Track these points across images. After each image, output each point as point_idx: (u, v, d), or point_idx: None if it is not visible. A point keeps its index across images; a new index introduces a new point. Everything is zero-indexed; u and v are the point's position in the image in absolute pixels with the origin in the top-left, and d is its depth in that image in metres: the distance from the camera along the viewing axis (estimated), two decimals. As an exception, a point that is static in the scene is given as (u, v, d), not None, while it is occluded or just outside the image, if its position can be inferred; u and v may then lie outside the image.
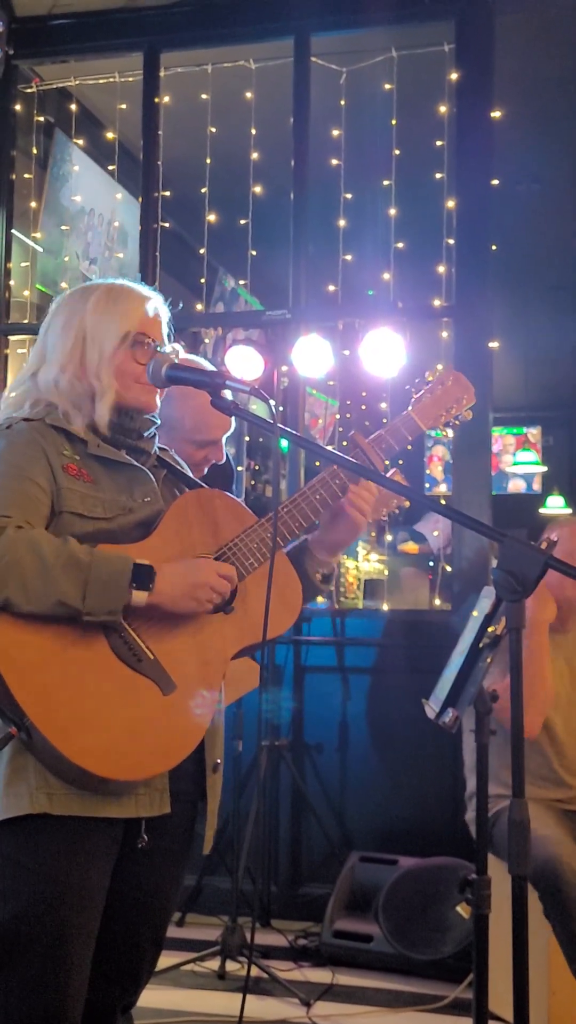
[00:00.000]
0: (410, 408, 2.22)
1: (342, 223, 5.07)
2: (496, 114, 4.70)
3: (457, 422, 2.25)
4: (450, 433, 5.07)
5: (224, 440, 2.52)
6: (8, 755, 1.82)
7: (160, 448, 2.15)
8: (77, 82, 5.50)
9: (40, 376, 2.01)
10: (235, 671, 2.03)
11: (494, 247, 4.66)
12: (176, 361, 2.02)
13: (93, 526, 1.89)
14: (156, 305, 2.08)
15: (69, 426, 1.94)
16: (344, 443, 2.11)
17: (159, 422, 2.10)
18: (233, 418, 2.37)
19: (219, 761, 2.01)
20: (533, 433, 10.95)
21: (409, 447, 2.30)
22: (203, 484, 2.10)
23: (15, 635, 1.75)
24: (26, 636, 1.76)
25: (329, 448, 2.14)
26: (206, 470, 2.54)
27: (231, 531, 2.03)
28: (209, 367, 2.47)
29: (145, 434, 2.05)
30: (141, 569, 1.82)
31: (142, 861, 1.95)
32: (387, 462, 2.30)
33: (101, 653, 1.82)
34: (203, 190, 5.30)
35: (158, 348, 2.03)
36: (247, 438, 6.90)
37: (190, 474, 2.14)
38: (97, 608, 1.78)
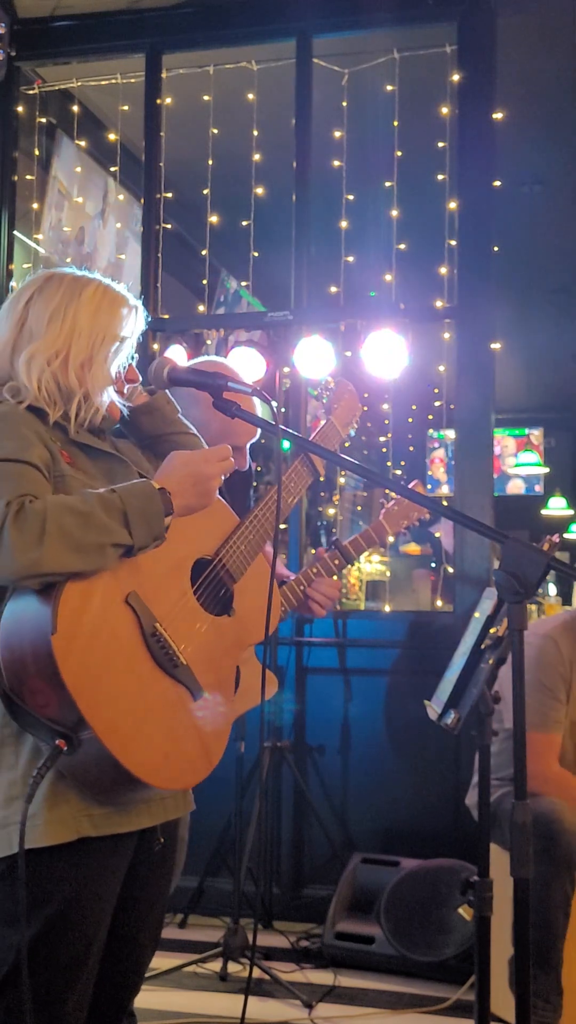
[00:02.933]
0: (330, 416, 2.40)
1: (344, 224, 5.07)
2: (498, 115, 4.71)
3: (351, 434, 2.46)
4: (451, 434, 5.08)
5: (248, 447, 2.52)
6: (49, 780, 1.75)
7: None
8: (79, 83, 5.50)
9: (18, 360, 1.89)
10: (248, 681, 2.03)
11: (496, 248, 4.65)
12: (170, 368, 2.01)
13: None
14: (141, 316, 2.01)
15: (55, 417, 1.88)
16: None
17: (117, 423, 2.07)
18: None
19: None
20: (535, 435, 10.97)
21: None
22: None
23: (73, 644, 1.67)
24: (81, 644, 1.69)
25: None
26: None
27: (223, 529, 2.04)
28: (224, 363, 2.48)
29: (105, 432, 2.02)
30: (162, 491, 1.81)
31: (150, 861, 1.95)
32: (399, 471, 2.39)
33: (143, 660, 1.78)
34: (205, 191, 5.30)
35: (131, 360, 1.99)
36: (249, 439, 6.89)
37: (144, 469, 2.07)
38: (145, 536, 1.76)
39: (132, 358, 2.00)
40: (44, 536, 1.66)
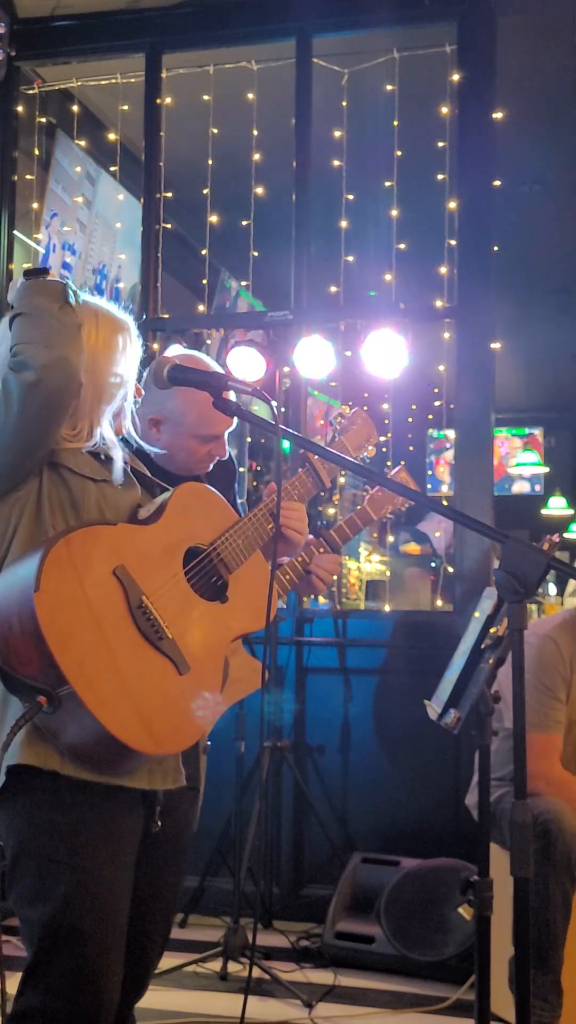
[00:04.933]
0: (341, 437, 2.50)
1: (344, 224, 5.07)
2: (498, 115, 4.71)
3: (367, 457, 2.54)
4: (451, 434, 5.08)
5: (227, 436, 2.53)
6: (26, 730, 1.80)
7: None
8: (79, 83, 5.50)
9: None
10: (238, 671, 2.05)
11: (496, 248, 4.66)
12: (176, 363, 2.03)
13: (82, 484, 1.91)
14: (137, 342, 2.06)
15: None
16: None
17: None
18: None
19: (208, 743, 2.10)
20: (536, 435, 10.99)
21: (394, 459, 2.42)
22: (164, 484, 2.11)
23: (55, 602, 1.75)
24: (63, 603, 1.76)
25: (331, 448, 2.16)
26: (211, 467, 2.55)
27: (222, 524, 2.10)
28: (208, 361, 2.49)
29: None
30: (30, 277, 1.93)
31: (154, 851, 1.98)
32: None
33: (126, 627, 1.83)
34: (205, 191, 5.30)
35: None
36: (249, 439, 6.90)
37: (147, 473, 2.14)
38: (57, 295, 1.89)
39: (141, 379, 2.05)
40: (33, 348, 1.80)
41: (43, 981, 1.82)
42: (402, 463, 2.64)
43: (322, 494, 2.47)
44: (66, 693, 1.72)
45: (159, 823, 1.95)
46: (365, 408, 2.56)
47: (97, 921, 1.82)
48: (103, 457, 1.98)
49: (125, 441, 2.09)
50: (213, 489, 2.14)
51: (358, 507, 2.61)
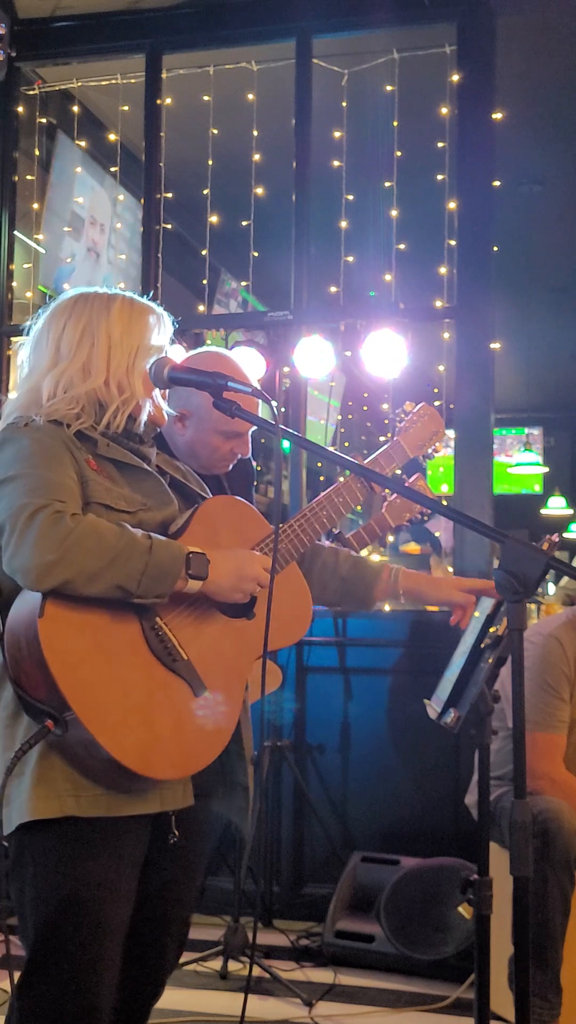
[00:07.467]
0: (398, 436, 2.47)
1: (344, 224, 5.08)
2: (497, 115, 4.71)
3: (433, 454, 2.52)
4: (451, 434, 5.08)
5: (250, 434, 2.53)
6: (36, 756, 1.81)
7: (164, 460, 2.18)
8: (79, 84, 5.51)
9: (50, 378, 1.97)
10: (256, 673, 2.05)
11: (496, 248, 4.66)
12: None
13: (118, 518, 1.89)
14: (167, 322, 2.11)
15: (80, 427, 1.94)
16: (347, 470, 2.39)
17: (159, 430, 2.12)
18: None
19: (255, 752, 2.12)
20: (534, 434, 11.00)
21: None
22: (204, 495, 2.11)
23: (59, 628, 1.75)
24: (70, 629, 1.76)
25: (331, 448, 2.17)
26: (231, 465, 2.55)
27: (253, 538, 2.07)
28: (232, 359, 2.50)
29: (147, 440, 2.08)
30: (198, 558, 1.85)
31: (170, 857, 1.98)
32: (399, 471, 2.44)
33: (139, 650, 1.83)
34: (205, 191, 5.31)
35: None
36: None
37: (190, 483, 2.15)
38: (149, 591, 1.81)
39: None
40: (64, 550, 1.72)
41: (39, 984, 1.83)
42: (418, 475, 2.62)
43: (322, 489, 2.44)
44: (71, 718, 1.73)
45: (176, 833, 1.93)
46: (437, 404, 2.54)
47: (89, 933, 1.83)
48: (145, 470, 2.00)
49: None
50: (244, 501, 2.12)
51: (378, 512, 2.61)
